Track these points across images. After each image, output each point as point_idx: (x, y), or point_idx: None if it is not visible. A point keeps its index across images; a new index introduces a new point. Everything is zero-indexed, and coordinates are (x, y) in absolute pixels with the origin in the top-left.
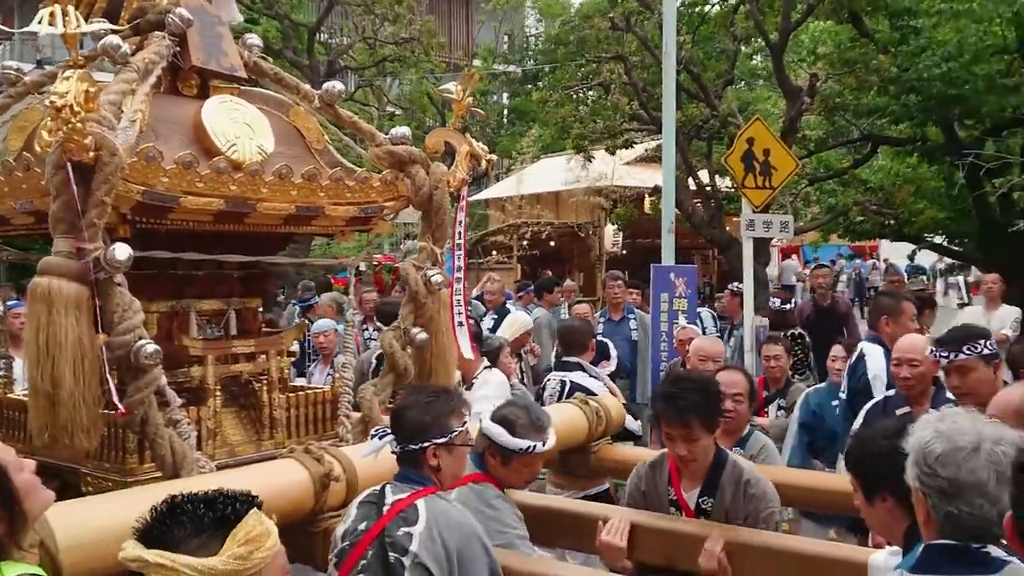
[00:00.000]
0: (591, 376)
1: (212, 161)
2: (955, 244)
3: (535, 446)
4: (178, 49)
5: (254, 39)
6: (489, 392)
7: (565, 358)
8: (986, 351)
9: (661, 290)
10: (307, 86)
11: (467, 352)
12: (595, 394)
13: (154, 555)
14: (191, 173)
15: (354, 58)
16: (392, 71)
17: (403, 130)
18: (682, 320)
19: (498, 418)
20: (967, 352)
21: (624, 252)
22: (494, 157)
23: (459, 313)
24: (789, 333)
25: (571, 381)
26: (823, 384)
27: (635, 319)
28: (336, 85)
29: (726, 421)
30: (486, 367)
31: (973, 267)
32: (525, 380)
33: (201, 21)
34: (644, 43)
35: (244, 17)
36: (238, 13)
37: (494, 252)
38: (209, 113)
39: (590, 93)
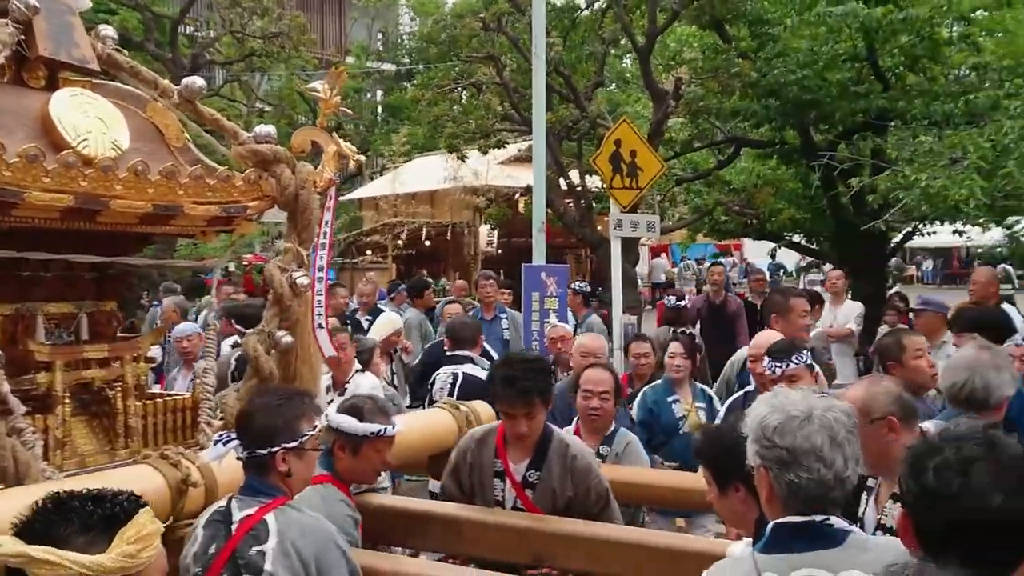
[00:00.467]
0: (482, 368)
1: (60, 155)
2: (812, 243)
3: (384, 429)
4: (23, 38)
5: (108, 30)
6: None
7: (454, 352)
8: (808, 360)
9: (532, 289)
10: (166, 81)
11: (328, 350)
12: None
13: (40, 551)
14: (36, 167)
15: (221, 52)
16: (261, 66)
17: (267, 128)
18: (553, 319)
19: (344, 408)
20: (796, 362)
21: (499, 251)
22: (362, 158)
23: (319, 315)
24: (682, 330)
25: (463, 373)
26: (660, 381)
27: (507, 318)
28: (196, 81)
29: (593, 419)
30: (358, 371)
31: (829, 264)
32: (396, 381)
33: (49, 9)
34: (515, 44)
35: (102, 7)
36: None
37: (368, 252)
38: (58, 106)
39: (463, 93)
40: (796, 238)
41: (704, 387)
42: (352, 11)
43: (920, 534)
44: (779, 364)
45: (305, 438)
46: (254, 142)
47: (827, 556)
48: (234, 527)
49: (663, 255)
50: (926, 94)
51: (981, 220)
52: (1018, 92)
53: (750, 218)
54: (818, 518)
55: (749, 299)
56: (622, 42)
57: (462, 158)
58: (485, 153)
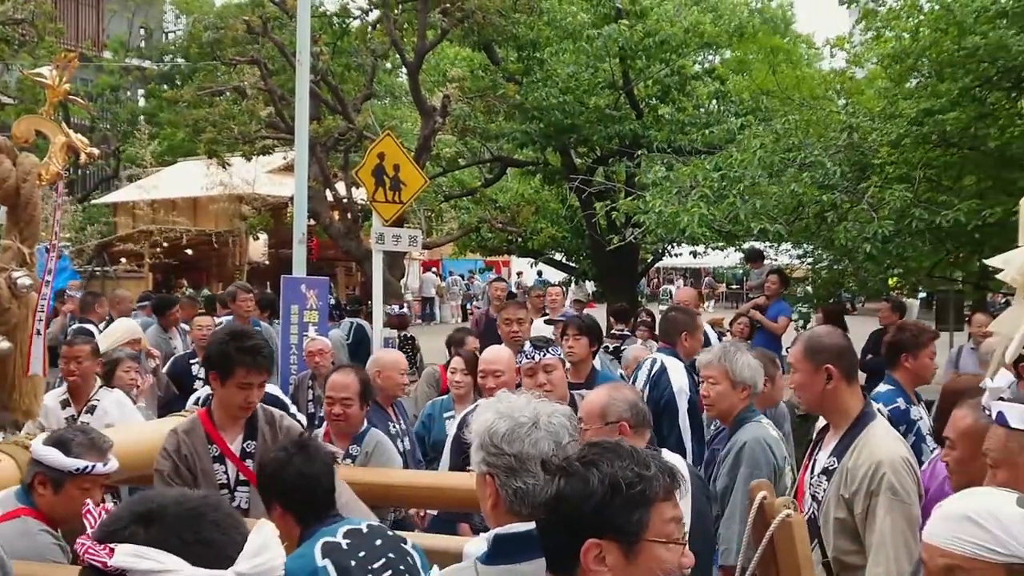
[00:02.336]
0: None
1: None
2: (572, 260)
3: (92, 466)
4: None
5: None
6: (113, 419)
7: None
8: (561, 356)
9: (291, 302)
10: None
11: (36, 366)
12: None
13: None
14: None
15: None
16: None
17: None
18: (312, 332)
19: (52, 440)
20: (552, 353)
21: (267, 262)
22: (95, 151)
23: (39, 320)
24: (402, 335)
25: None
26: (444, 396)
27: (261, 332)
28: None
29: (337, 423)
30: (101, 387)
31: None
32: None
33: None
34: (281, 49)
35: None
36: None
37: (123, 260)
38: None
39: (226, 97)
40: (557, 255)
41: None
42: (110, 3)
43: None
44: (539, 351)
45: None
46: None
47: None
48: None
49: (434, 269)
50: (674, 124)
51: (720, 244)
52: (751, 125)
53: (513, 235)
54: None
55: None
56: (392, 57)
57: (223, 164)
58: (249, 160)
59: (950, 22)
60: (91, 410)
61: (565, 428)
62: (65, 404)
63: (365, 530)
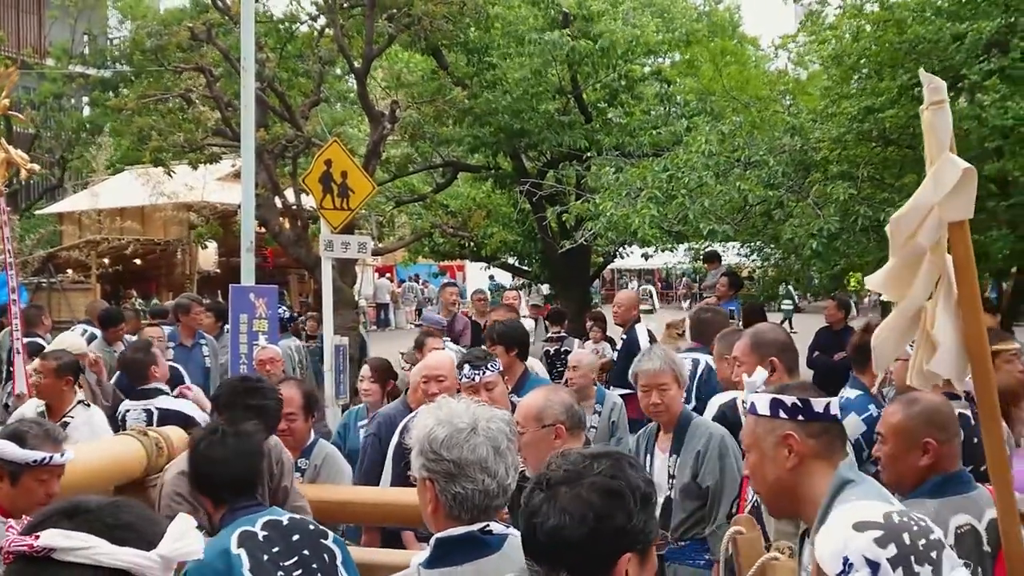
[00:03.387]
0: (175, 397)
1: None
2: (524, 264)
3: (50, 457)
4: None
5: None
6: (82, 437)
7: (142, 387)
8: (500, 369)
9: (240, 311)
10: None
11: (20, 385)
12: (192, 417)
13: None
14: None
15: None
16: None
17: None
18: (263, 341)
19: (6, 433)
20: (491, 369)
21: (218, 271)
22: (36, 167)
23: (17, 339)
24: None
25: (157, 408)
26: (360, 406)
27: (207, 344)
28: None
29: (284, 438)
30: (78, 403)
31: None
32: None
33: None
34: (226, 56)
35: None
36: None
37: (69, 271)
38: None
39: (171, 104)
40: (510, 260)
41: None
42: (51, 9)
43: None
44: (477, 371)
45: None
46: None
47: (486, 564)
48: None
49: (388, 275)
50: (622, 127)
51: (669, 246)
52: (698, 127)
53: (465, 240)
54: (477, 527)
55: (472, 318)
56: (341, 62)
57: (169, 173)
58: (196, 168)
59: (889, 21)
60: (64, 426)
61: (503, 433)
62: (42, 416)
63: (286, 522)
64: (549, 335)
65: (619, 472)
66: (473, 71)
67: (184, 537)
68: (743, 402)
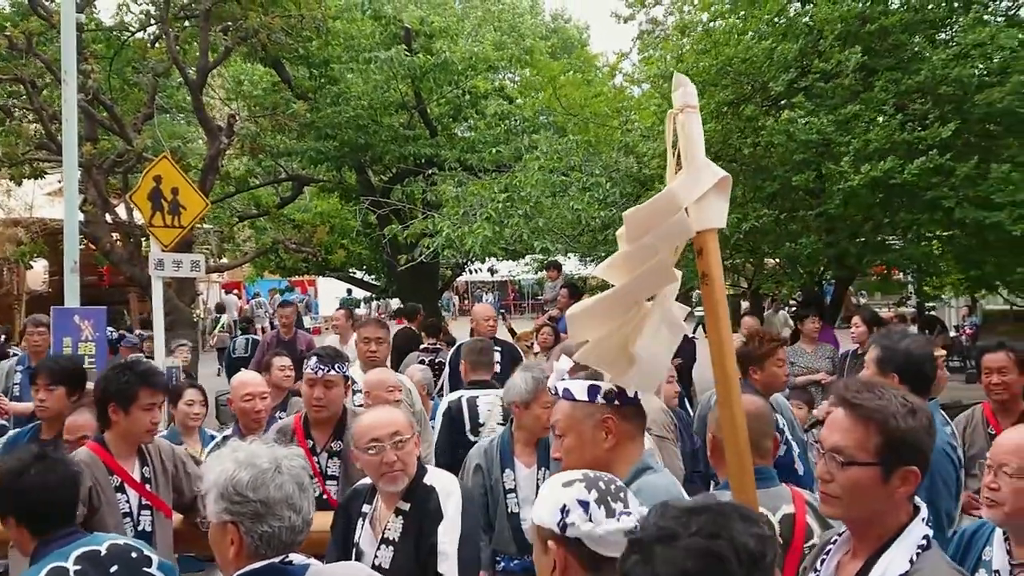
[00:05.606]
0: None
1: None
2: (373, 278)
3: None
4: None
5: None
6: None
7: None
8: (347, 372)
9: (64, 334)
10: None
11: None
12: None
13: None
14: None
15: None
16: None
17: None
18: (87, 364)
19: None
20: (337, 370)
21: (50, 290)
22: None
23: None
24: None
25: None
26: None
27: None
28: None
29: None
30: None
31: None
32: None
33: None
34: (48, 67)
35: None
36: None
37: None
38: None
39: None
40: (359, 274)
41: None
42: None
43: None
44: (323, 367)
45: None
46: None
47: None
48: None
49: (236, 291)
50: (465, 143)
51: (508, 258)
52: (538, 145)
53: (309, 255)
54: (278, 559)
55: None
56: (175, 74)
57: None
58: (19, 183)
59: (708, 44)
60: None
61: (304, 470)
62: None
63: (104, 552)
64: (424, 346)
65: (722, 530)
66: (316, 85)
67: None
68: (551, 388)
